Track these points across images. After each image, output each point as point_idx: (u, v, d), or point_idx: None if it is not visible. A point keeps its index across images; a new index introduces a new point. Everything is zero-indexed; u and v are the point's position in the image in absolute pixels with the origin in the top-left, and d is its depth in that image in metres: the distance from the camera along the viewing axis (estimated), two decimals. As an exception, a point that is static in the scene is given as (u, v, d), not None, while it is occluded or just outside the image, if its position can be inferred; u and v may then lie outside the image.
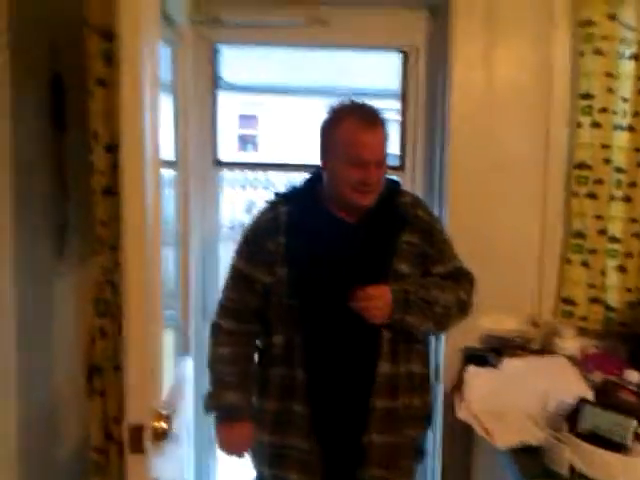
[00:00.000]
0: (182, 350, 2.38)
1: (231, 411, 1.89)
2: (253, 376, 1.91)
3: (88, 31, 1.53)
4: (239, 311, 1.90)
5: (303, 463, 1.83)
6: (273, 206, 1.89)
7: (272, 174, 6.71)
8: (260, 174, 7.54)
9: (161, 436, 1.54)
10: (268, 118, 10.03)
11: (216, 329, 1.94)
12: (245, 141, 10.20)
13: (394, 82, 2.69)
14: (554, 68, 2.38)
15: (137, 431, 1.46)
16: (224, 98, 2.81)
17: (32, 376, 1.68)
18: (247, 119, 10.24)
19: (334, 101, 1.83)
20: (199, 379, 2.56)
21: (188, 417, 2.35)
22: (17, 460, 1.59)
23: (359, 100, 1.82)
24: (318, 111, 3.13)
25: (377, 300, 1.73)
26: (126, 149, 1.42)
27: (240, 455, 1.94)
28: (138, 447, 1.47)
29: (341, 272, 1.77)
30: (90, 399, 1.75)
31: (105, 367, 1.75)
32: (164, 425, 1.54)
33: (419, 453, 1.97)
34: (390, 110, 2.93)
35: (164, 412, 1.57)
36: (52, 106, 1.76)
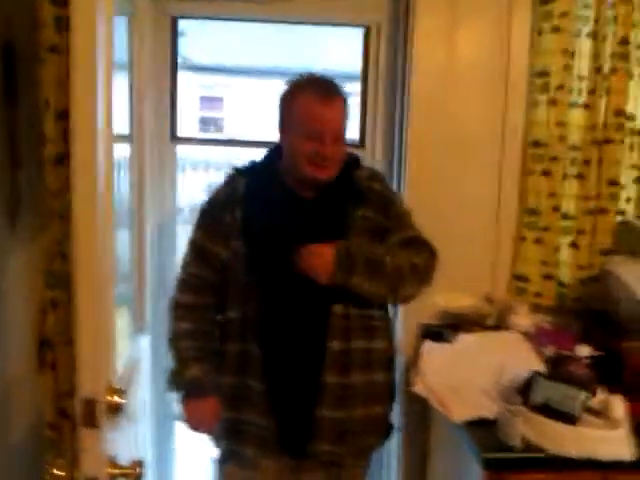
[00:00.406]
0: (137, 328, 2.35)
1: (195, 386, 1.85)
2: (215, 351, 1.88)
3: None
4: (198, 286, 1.88)
5: (259, 438, 1.83)
6: (231, 179, 1.88)
7: (235, 155, 6.63)
8: (223, 156, 7.46)
9: (115, 411, 1.51)
10: (233, 100, 9.92)
11: (175, 304, 1.91)
12: (206, 123, 10.05)
13: (355, 63, 2.67)
14: (513, 46, 2.40)
15: (90, 405, 1.42)
16: (185, 78, 2.76)
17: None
18: (209, 101, 10.10)
19: (293, 75, 1.82)
20: (155, 357, 2.54)
21: (144, 394, 2.32)
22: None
23: (318, 74, 1.81)
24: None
25: (319, 257, 1.73)
26: (78, 115, 1.37)
27: (208, 432, 1.91)
28: (91, 421, 1.43)
29: (293, 244, 1.75)
30: (41, 373, 1.72)
31: (56, 340, 1.71)
32: (118, 399, 1.51)
33: (386, 429, 1.95)
34: (351, 93, 2.93)
35: (118, 386, 1.54)
36: (3, 76, 1.71)
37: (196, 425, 1.88)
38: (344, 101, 1.79)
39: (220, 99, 10.57)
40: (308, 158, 1.74)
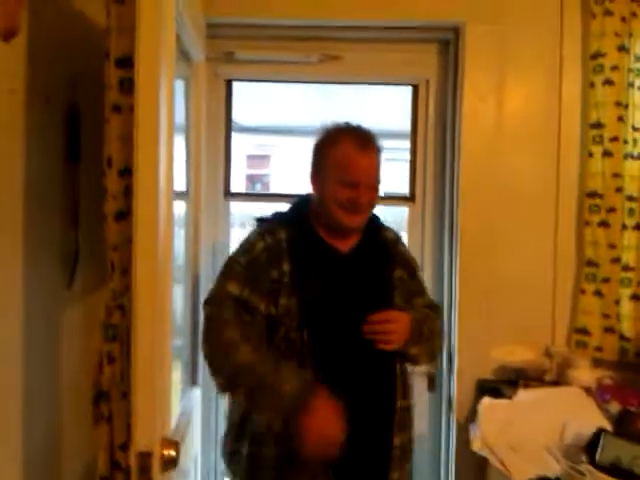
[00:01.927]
0: (190, 382, 2.36)
1: (301, 393, 1.57)
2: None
3: (107, 60, 1.56)
4: (243, 324, 1.69)
5: None
6: (271, 231, 1.78)
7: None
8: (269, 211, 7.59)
9: (169, 464, 1.51)
10: (279, 158, 10.15)
11: (218, 319, 1.70)
12: (253, 180, 10.27)
13: (403, 122, 2.71)
14: (564, 99, 2.40)
15: (145, 458, 1.43)
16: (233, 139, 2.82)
17: (37, 404, 1.66)
18: (255, 159, 10.35)
19: (328, 123, 1.83)
20: (205, 411, 2.54)
21: (195, 449, 2.31)
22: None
23: (353, 123, 1.82)
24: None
25: (396, 324, 1.71)
26: (141, 172, 1.43)
27: (337, 442, 1.56)
28: (146, 475, 1.43)
29: (349, 303, 1.73)
30: (97, 425, 1.72)
31: (112, 393, 1.72)
32: (173, 453, 1.51)
33: None
34: (400, 150, 2.95)
35: (173, 440, 1.54)
36: (67, 136, 1.79)
37: (325, 439, 1.55)
38: (379, 150, 1.81)
39: (267, 157, 10.84)
40: (341, 204, 1.74)
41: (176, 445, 1.53)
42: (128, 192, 1.60)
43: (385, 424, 1.73)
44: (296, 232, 1.78)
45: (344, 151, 1.74)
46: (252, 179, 10.28)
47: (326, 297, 1.71)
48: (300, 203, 1.88)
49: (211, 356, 1.71)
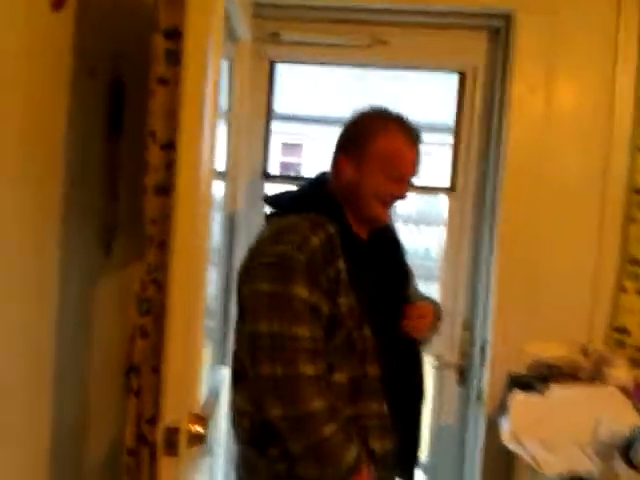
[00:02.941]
0: (219, 360, 2.37)
1: (354, 468, 1.55)
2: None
3: (155, 32, 1.55)
4: (317, 352, 1.55)
5: None
6: (319, 224, 1.62)
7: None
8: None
9: (197, 440, 1.51)
10: (311, 147, 10.22)
11: (297, 380, 1.52)
12: (286, 168, 10.36)
13: (447, 114, 2.66)
14: (617, 93, 2.33)
15: (172, 433, 1.43)
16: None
17: (69, 374, 1.67)
18: (289, 147, 10.43)
19: (364, 107, 1.73)
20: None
21: (221, 428, 2.32)
22: (49, 458, 1.57)
23: (396, 111, 1.72)
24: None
25: (428, 318, 1.75)
26: (184, 146, 1.43)
27: None
28: (172, 450, 1.43)
29: (386, 293, 1.74)
30: (126, 398, 1.74)
31: (143, 367, 1.73)
32: (200, 429, 1.51)
33: None
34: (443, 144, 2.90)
35: (201, 415, 1.54)
36: (110, 109, 1.80)
37: None
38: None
39: (299, 146, 10.90)
40: (382, 198, 1.68)
41: (204, 421, 1.53)
42: (170, 166, 1.60)
43: (422, 411, 1.79)
44: (340, 225, 1.66)
45: (396, 145, 1.66)
46: (285, 167, 10.36)
47: (375, 291, 1.69)
48: (321, 187, 1.75)
49: (287, 420, 1.55)
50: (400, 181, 1.67)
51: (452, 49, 2.54)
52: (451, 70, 2.65)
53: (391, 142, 1.66)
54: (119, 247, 1.87)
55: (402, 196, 1.70)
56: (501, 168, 2.41)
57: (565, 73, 2.37)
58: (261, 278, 1.58)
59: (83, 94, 1.63)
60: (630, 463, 1.67)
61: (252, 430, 1.68)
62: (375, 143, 1.66)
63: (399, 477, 1.77)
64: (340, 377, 1.60)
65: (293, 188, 1.89)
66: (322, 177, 1.78)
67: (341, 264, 1.59)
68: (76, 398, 1.74)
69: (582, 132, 2.37)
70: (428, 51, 2.55)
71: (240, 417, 1.73)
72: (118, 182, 1.86)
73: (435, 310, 1.80)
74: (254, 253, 1.66)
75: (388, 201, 1.69)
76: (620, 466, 1.65)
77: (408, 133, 1.68)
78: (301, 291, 1.53)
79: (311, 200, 1.72)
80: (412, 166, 1.69)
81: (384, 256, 1.78)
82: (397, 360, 1.68)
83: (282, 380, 1.52)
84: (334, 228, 1.62)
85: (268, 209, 1.82)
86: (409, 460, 1.78)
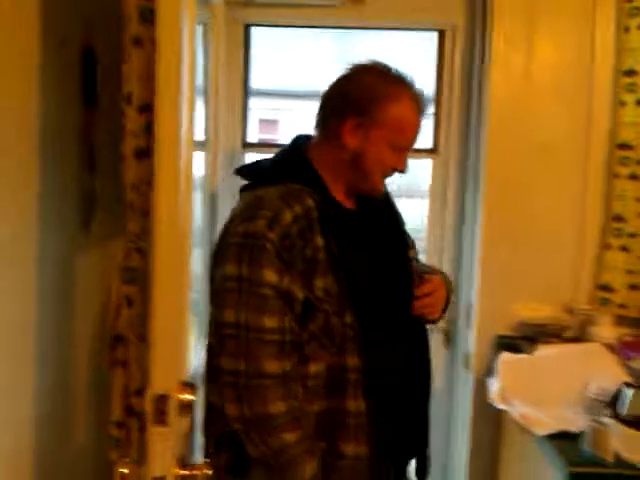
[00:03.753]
0: (202, 337, 2.34)
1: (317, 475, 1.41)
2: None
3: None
4: (284, 345, 1.39)
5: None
6: (295, 195, 1.43)
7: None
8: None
9: (186, 409, 1.48)
10: (289, 122, 10.17)
11: (257, 378, 1.38)
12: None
13: (425, 73, 2.63)
14: (597, 45, 2.33)
15: (162, 401, 1.40)
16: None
17: (51, 347, 1.65)
18: (264, 124, 10.37)
19: (364, 62, 1.54)
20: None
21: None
22: (34, 433, 1.56)
23: (399, 70, 1.53)
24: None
25: (440, 292, 1.59)
26: (162, 110, 1.37)
27: None
28: (162, 419, 1.40)
29: (379, 270, 1.52)
30: (112, 370, 1.71)
31: (129, 337, 1.70)
32: (190, 397, 1.48)
33: None
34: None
35: (190, 383, 1.52)
36: (83, 79, 1.74)
37: None
38: None
39: (275, 122, 10.86)
40: (384, 169, 1.52)
41: (194, 388, 1.50)
42: (148, 129, 1.56)
43: (428, 396, 1.62)
44: (319, 196, 1.47)
45: (407, 113, 1.49)
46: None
47: (363, 270, 1.49)
48: (300, 153, 1.56)
49: (244, 422, 1.40)
50: (402, 151, 1.52)
51: (430, 7, 2.50)
52: (430, 28, 2.61)
53: (402, 109, 1.49)
54: (98, 220, 1.84)
55: (402, 167, 1.54)
56: (483, 127, 2.39)
57: (545, 28, 2.35)
58: (229, 261, 1.41)
59: (55, 64, 1.59)
60: (618, 417, 1.69)
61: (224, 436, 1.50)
62: (386, 110, 1.48)
63: None
64: (316, 368, 1.43)
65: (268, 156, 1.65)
66: (298, 141, 1.59)
67: (319, 241, 1.41)
68: (60, 367, 1.72)
69: (564, 87, 2.36)
70: (405, 10, 2.50)
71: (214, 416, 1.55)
72: (95, 153, 1.82)
73: (445, 282, 1.63)
74: (223, 232, 1.50)
75: (388, 173, 1.54)
76: (609, 420, 1.66)
77: (419, 101, 1.52)
78: (271, 276, 1.36)
79: (286, 168, 1.53)
80: (417, 136, 1.55)
81: (378, 227, 1.59)
82: (383, 347, 1.49)
83: (243, 377, 1.37)
84: (313, 199, 1.44)
85: (242, 181, 1.61)
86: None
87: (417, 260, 1.75)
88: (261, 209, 1.40)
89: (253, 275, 1.37)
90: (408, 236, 1.71)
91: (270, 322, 1.36)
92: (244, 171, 1.61)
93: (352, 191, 1.55)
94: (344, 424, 1.43)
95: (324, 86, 1.59)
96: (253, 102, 2.73)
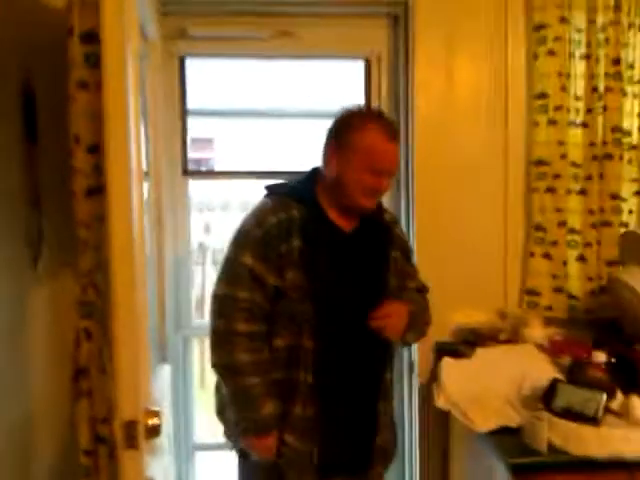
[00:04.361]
0: (160, 358, 2.39)
1: (267, 424, 1.80)
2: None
3: (70, 36, 1.56)
4: (252, 312, 1.78)
5: (302, 464, 1.84)
6: (284, 207, 1.82)
7: (228, 195, 6.81)
8: (216, 196, 7.59)
9: (154, 432, 1.55)
10: (224, 141, 10.11)
11: (230, 334, 1.78)
12: (199, 164, 10.25)
13: (357, 99, 2.76)
14: (510, 70, 2.52)
15: (131, 427, 1.47)
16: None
17: (5, 389, 1.64)
18: (199, 143, 10.31)
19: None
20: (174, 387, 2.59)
21: (168, 423, 2.35)
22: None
23: (375, 109, 1.96)
24: (276, 132, 3.20)
25: (397, 318, 1.83)
26: (112, 148, 1.45)
27: (270, 458, 1.84)
28: (132, 443, 1.47)
29: (348, 279, 1.84)
30: (77, 401, 1.75)
31: (91, 369, 1.75)
32: (156, 421, 1.55)
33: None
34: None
35: (155, 409, 1.58)
36: (24, 117, 1.77)
37: (261, 455, 1.84)
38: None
39: (210, 140, 10.79)
40: (364, 191, 1.81)
41: (158, 414, 1.57)
42: (97, 168, 1.62)
43: (372, 393, 1.89)
44: (308, 211, 1.82)
45: (373, 140, 1.79)
46: (198, 163, 10.23)
47: (331, 273, 1.80)
48: (310, 179, 1.91)
49: (218, 367, 1.82)
50: (379, 174, 1.80)
51: (355, 37, 2.64)
52: (356, 57, 2.75)
53: (369, 137, 1.80)
54: (47, 254, 1.86)
55: (381, 189, 1.84)
56: (412, 148, 2.53)
57: (463, 54, 2.52)
58: (227, 250, 1.84)
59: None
60: (551, 410, 1.83)
61: None
62: (354, 139, 1.80)
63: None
64: (278, 343, 1.80)
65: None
66: (314, 171, 1.93)
67: (296, 243, 1.77)
68: (18, 406, 1.72)
69: (482, 109, 2.53)
70: (332, 40, 2.63)
71: None
72: (39, 189, 1.85)
73: (412, 312, 1.87)
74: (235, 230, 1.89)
75: (369, 193, 1.82)
76: (543, 414, 1.79)
77: (386, 128, 1.82)
78: (247, 260, 1.77)
79: (291, 187, 1.89)
80: (390, 160, 1.84)
81: (362, 246, 1.88)
82: (333, 337, 1.80)
83: (222, 333, 1.79)
84: (299, 213, 1.80)
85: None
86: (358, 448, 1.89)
87: (412, 289, 2.01)
88: (256, 214, 1.84)
89: (235, 258, 1.80)
90: (411, 265, 2.04)
91: (242, 294, 1.77)
92: (266, 186, 1.94)
93: (346, 210, 1.86)
94: (296, 391, 1.79)
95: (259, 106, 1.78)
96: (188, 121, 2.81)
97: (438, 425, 2.41)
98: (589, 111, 2.47)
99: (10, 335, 1.70)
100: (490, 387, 2.07)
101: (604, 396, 1.79)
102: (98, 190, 1.63)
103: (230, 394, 1.82)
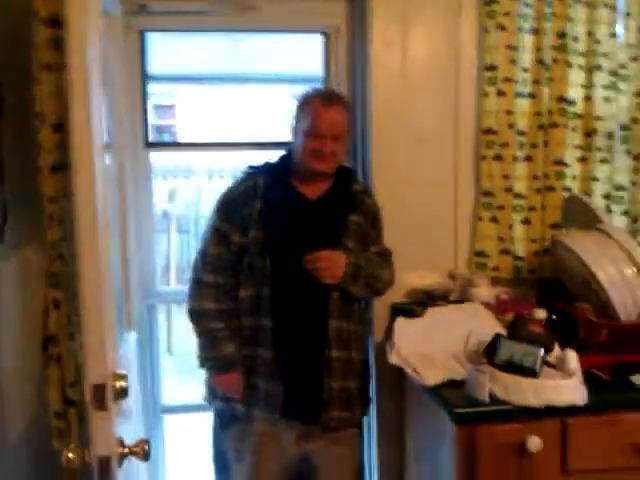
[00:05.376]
0: (125, 326, 2.48)
1: (229, 363, 2.11)
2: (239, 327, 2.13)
3: (35, 20, 1.62)
4: (218, 266, 2.12)
5: (268, 404, 2.10)
6: (253, 176, 2.17)
7: (192, 162, 6.81)
8: (180, 163, 7.57)
9: (122, 394, 1.64)
10: (185, 107, 10.00)
11: (199, 284, 2.14)
12: (161, 131, 10.12)
13: (315, 68, 2.83)
14: (461, 44, 2.60)
15: (99, 389, 1.56)
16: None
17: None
18: (161, 109, 10.17)
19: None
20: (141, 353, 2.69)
21: (135, 389, 2.44)
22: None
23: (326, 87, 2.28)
24: (237, 98, 3.24)
25: (325, 261, 2.04)
26: (76, 127, 1.51)
27: (236, 397, 2.13)
28: (101, 405, 1.56)
29: (303, 240, 2.08)
30: (47, 367, 1.84)
31: (60, 336, 1.84)
32: (123, 384, 1.65)
33: (367, 400, 2.29)
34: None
35: (122, 373, 1.68)
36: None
37: (229, 393, 2.14)
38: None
39: (172, 107, 10.65)
40: (309, 153, 2.07)
41: (125, 377, 1.67)
42: (62, 145, 1.69)
43: (319, 339, 2.07)
44: (272, 179, 2.15)
45: (311, 106, 2.10)
46: (160, 130, 10.11)
47: (287, 232, 2.08)
48: (287, 155, 2.21)
49: (190, 311, 2.18)
50: (320, 137, 2.05)
51: (315, 12, 2.70)
52: (315, 31, 2.81)
53: (309, 105, 2.11)
54: (13, 227, 1.92)
55: (324, 151, 2.06)
56: (368, 119, 2.62)
57: (417, 29, 2.60)
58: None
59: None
60: (493, 363, 1.96)
61: None
62: (299, 113, 2.14)
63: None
64: (243, 293, 2.11)
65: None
66: (289, 151, 2.23)
67: (257, 206, 2.09)
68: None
69: (435, 81, 2.62)
70: (293, 14, 2.68)
71: None
72: (4, 164, 1.91)
73: (355, 264, 2.08)
74: None
75: (315, 155, 2.07)
76: (485, 367, 1.94)
77: (324, 97, 2.14)
78: (216, 222, 2.15)
79: (265, 162, 2.23)
80: (327, 123, 2.07)
81: (324, 212, 2.14)
82: (287, 286, 2.07)
83: (193, 283, 2.16)
84: (264, 181, 2.13)
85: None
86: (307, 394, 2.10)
87: (372, 252, 2.22)
88: (229, 186, 2.21)
89: (209, 221, 2.18)
90: (376, 232, 2.25)
91: (211, 250, 2.14)
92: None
93: (311, 177, 2.13)
94: (262, 335, 2.08)
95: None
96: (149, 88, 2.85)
97: (394, 381, 2.54)
98: (536, 82, 2.58)
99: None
100: (439, 343, 2.21)
101: (542, 350, 1.93)
102: (62, 167, 1.71)
103: (197, 336, 2.15)
